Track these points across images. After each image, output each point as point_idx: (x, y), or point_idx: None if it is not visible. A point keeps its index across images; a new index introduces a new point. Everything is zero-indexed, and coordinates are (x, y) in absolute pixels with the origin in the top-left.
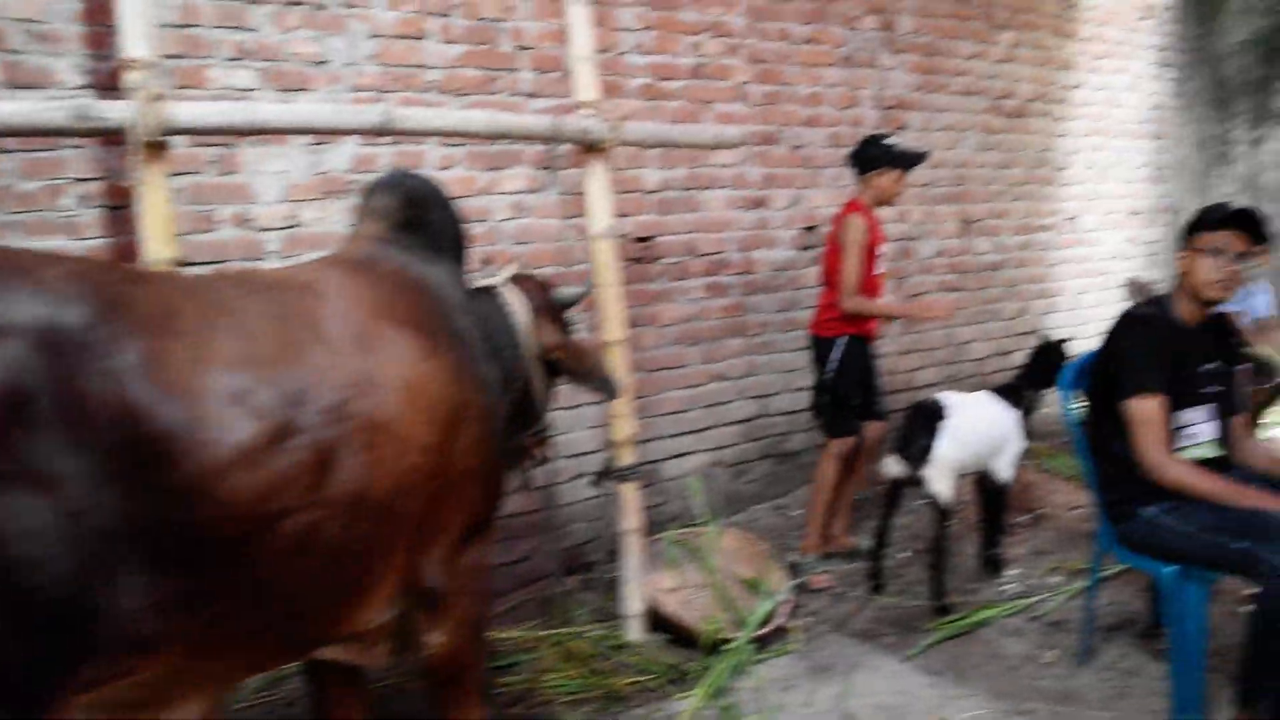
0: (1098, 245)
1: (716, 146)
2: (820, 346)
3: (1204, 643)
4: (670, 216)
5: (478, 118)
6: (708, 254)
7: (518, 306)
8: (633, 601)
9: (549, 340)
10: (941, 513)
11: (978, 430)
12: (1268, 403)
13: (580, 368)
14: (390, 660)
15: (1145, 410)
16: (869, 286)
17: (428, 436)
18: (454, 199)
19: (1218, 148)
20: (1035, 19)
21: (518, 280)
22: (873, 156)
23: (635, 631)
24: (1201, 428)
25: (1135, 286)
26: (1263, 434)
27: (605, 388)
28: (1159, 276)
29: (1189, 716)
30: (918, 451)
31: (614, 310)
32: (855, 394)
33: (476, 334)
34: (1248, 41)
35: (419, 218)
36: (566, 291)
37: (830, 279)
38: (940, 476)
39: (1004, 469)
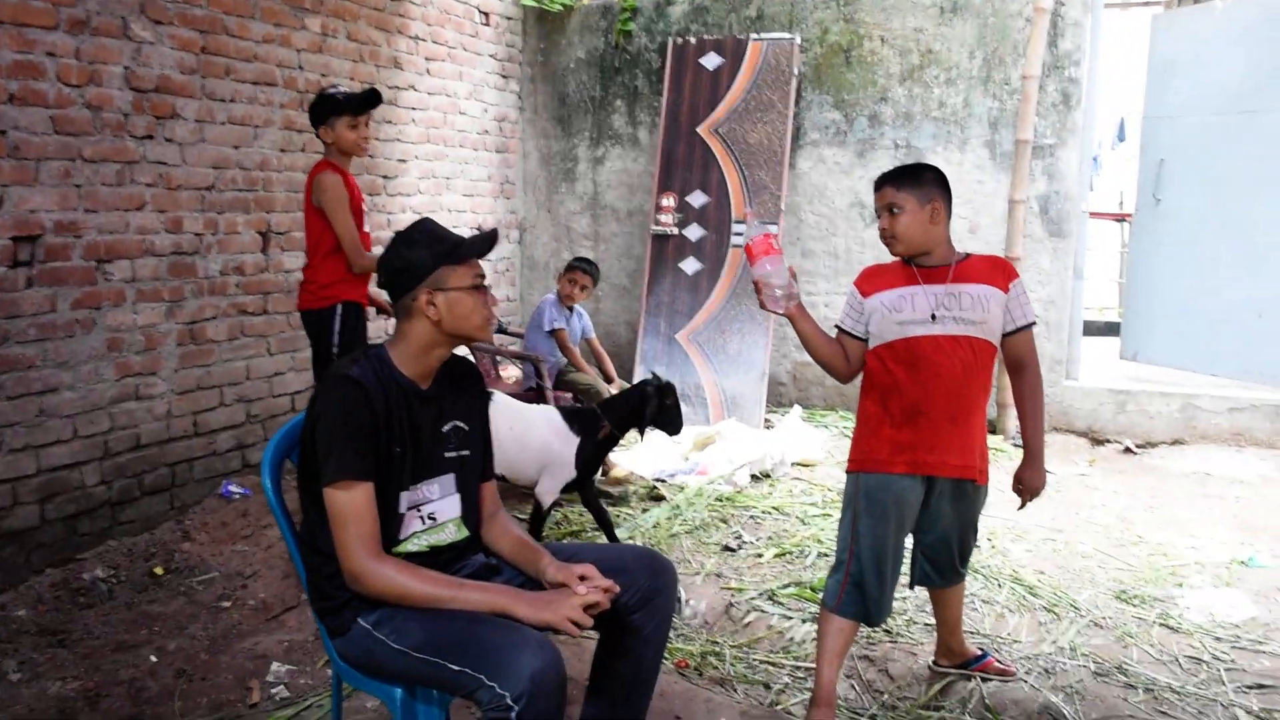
0: None
1: None
2: (314, 319)
3: None
4: None
5: None
6: None
7: None
8: None
9: None
10: None
11: (510, 441)
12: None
13: None
14: None
15: (345, 502)
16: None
17: None
18: None
19: (563, 164)
20: (351, 7)
21: None
22: (317, 109)
23: None
24: (442, 504)
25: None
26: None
27: None
28: (509, 294)
29: None
30: None
31: None
32: None
33: None
34: (585, 60)
35: None
36: None
37: (312, 249)
38: None
39: (542, 490)
